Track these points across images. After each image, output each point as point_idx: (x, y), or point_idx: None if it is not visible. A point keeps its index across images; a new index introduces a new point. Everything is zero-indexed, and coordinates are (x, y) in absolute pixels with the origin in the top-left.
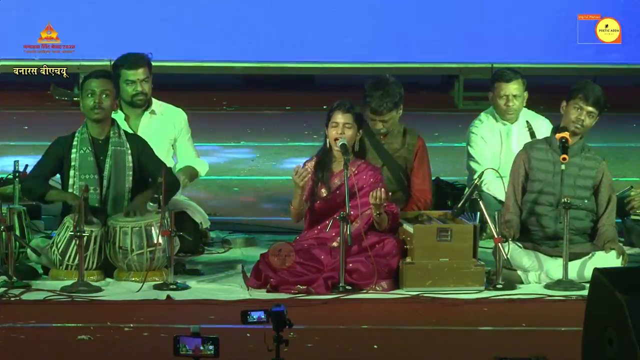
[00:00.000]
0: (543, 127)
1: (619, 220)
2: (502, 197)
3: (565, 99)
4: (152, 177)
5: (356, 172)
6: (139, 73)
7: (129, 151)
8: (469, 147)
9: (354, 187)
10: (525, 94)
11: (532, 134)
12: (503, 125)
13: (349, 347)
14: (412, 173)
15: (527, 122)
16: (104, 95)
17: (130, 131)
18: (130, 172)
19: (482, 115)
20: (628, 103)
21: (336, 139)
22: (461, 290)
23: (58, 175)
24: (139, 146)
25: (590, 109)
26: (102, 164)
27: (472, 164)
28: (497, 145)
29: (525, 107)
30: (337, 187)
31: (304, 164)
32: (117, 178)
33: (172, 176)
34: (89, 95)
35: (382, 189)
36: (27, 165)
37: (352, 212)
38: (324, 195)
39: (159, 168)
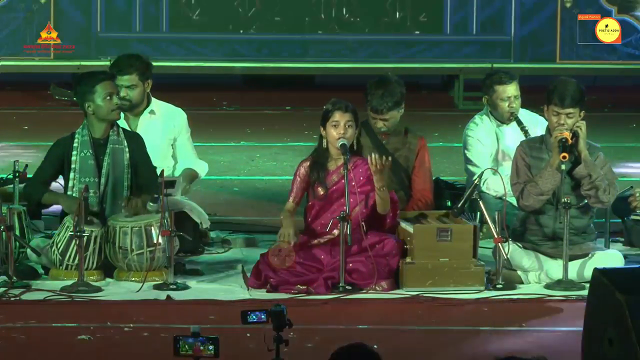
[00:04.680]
0: (539, 125)
1: (619, 220)
2: (501, 192)
3: (545, 103)
4: (139, 176)
5: (352, 167)
6: (124, 80)
7: (127, 149)
8: (466, 151)
9: (354, 188)
10: None
11: (523, 129)
12: (497, 126)
13: None
14: (413, 173)
15: (516, 117)
16: (117, 96)
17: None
18: (128, 170)
19: (477, 118)
20: (628, 103)
21: (338, 139)
22: (461, 290)
23: (61, 176)
24: (134, 143)
25: (567, 111)
26: (101, 163)
27: (471, 168)
28: (493, 146)
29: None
30: (333, 183)
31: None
32: (115, 176)
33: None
34: (108, 98)
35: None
36: (27, 165)
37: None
38: (321, 193)
39: (145, 167)
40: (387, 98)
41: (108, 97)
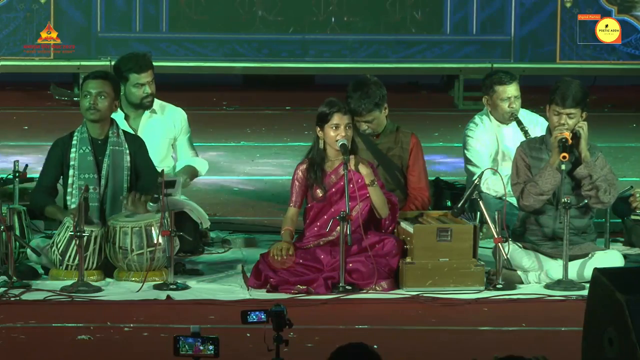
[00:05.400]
0: (538, 125)
1: (619, 220)
2: (501, 192)
3: (547, 103)
4: (139, 177)
5: (350, 168)
6: (147, 75)
7: (127, 151)
8: (465, 151)
9: (354, 191)
10: None
11: (523, 129)
12: (497, 126)
13: None
14: (407, 172)
15: (516, 117)
16: (100, 97)
17: (130, 131)
18: (128, 172)
19: (476, 118)
20: (628, 103)
21: (337, 140)
22: (461, 290)
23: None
24: (136, 146)
25: (567, 111)
26: (100, 163)
27: (471, 168)
28: (493, 146)
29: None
30: (333, 184)
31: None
32: (115, 178)
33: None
34: (86, 96)
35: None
36: (27, 165)
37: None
38: (320, 195)
39: (149, 172)
40: (365, 100)
41: (85, 96)
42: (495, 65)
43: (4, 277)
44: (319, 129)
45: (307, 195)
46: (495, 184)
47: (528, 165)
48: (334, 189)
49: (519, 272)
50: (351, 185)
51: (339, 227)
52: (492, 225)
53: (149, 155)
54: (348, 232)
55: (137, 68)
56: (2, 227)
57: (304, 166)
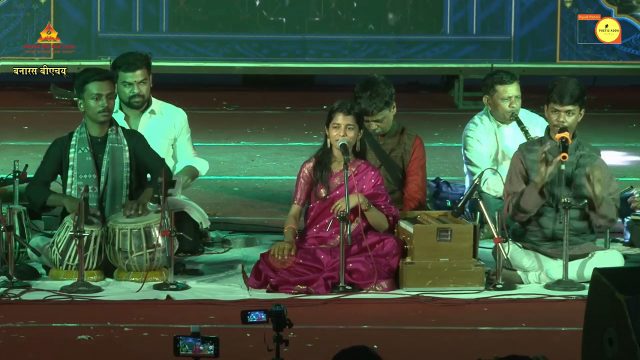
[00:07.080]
0: (538, 125)
1: (619, 220)
2: (501, 192)
3: (545, 103)
4: (148, 169)
5: (356, 172)
6: (137, 75)
7: (126, 147)
8: (465, 152)
9: (354, 188)
10: None
11: (523, 129)
12: (497, 126)
13: None
14: (407, 171)
15: (516, 117)
16: (109, 98)
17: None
18: (128, 169)
19: (476, 118)
20: (628, 103)
21: (337, 140)
22: (461, 290)
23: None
24: (134, 140)
25: (566, 108)
26: (100, 161)
27: (471, 168)
28: (493, 146)
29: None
30: (336, 187)
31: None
32: (114, 175)
33: (168, 171)
34: (95, 99)
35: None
36: (27, 165)
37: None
38: (323, 195)
39: (154, 160)
40: (376, 99)
41: (96, 98)
42: (495, 65)
43: (4, 277)
44: (326, 127)
45: (310, 195)
46: (495, 184)
47: (525, 170)
48: (337, 192)
49: (519, 272)
50: (355, 191)
51: (339, 237)
52: (492, 225)
53: (148, 144)
54: (348, 232)
55: (126, 67)
56: (2, 227)
57: (311, 164)
